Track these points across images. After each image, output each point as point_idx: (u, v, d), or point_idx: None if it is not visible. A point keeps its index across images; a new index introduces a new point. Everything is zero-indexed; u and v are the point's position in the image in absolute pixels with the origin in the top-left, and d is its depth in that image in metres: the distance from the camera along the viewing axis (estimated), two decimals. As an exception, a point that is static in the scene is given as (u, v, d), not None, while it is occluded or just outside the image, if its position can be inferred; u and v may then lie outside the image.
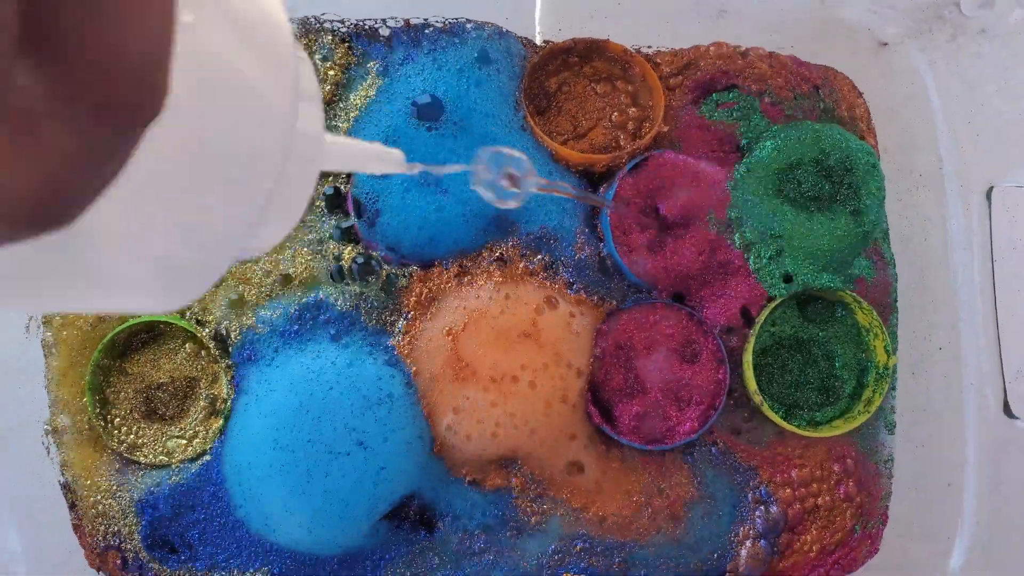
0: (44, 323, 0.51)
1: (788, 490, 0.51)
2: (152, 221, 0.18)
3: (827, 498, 0.51)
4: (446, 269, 0.51)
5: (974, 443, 0.49)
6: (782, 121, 0.53)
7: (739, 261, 0.51)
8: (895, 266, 0.53)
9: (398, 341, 0.50)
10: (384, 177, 0.50)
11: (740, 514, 0.51)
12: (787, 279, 0.51)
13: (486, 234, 0.51)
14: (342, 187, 0.51)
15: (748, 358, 0.50)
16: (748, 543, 0.51)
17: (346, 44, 0.53)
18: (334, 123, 0.51)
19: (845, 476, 0.52)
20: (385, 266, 0.51)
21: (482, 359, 0.49)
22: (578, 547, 0.50)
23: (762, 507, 0.51)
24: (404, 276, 0.51)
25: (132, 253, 0.18)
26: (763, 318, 0.51)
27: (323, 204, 0.51)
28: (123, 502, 0.50)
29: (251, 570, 0.50)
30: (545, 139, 0.51)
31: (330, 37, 0.53)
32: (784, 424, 0.50)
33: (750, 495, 0.51)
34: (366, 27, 0.52)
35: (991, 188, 0.50)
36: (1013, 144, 0.50)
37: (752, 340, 0.50)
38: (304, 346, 0.50)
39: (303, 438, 0.48)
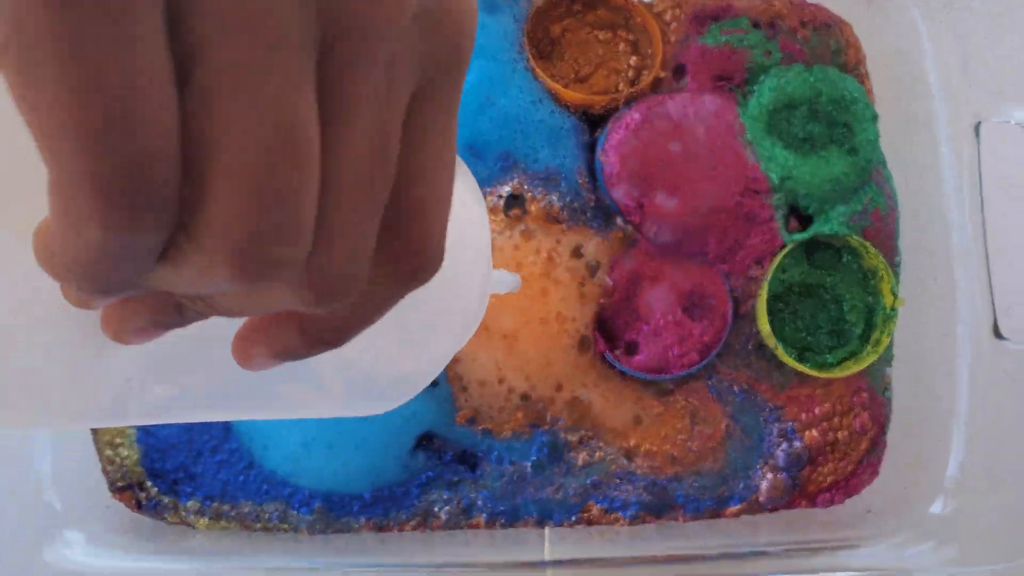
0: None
1: (811, 428, 0.53)
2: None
3: (845, 432, 0.54)
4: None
5: (966, 365, 0.52)
6: (796, 55, 0.55)
7: (765, 209, 0.53)
8: (897, 195, 0.55)
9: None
10: None
11: (766, 448, 0.53)
12: (803, 219, 0.54)
13: (491, 173, 0.53)
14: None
15: (762, 304, 0.53)
16: (770, 475, 0.53)
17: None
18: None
19: (861, 409, 0.54)
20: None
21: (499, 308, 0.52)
22: (614, 479, 0.52)
23: (786, 442, 0.53)
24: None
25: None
26: (774, 266, 0.53)
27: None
28: (131, 436, 0.53)
29: (266, 502, 0.53)
30: (546, 79, 0.54)
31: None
32: (797, 365, 0.53)
33: (775, 429, 0.53)
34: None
35: (979, 124, 0.52)
36: (999, 84, 0.53)
37: (764, 287, 0.53)
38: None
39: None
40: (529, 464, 0.52)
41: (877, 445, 0.55)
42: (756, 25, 0.56)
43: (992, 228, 0.52)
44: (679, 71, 0.56)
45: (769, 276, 0.53)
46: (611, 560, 0.50)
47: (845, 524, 0.53)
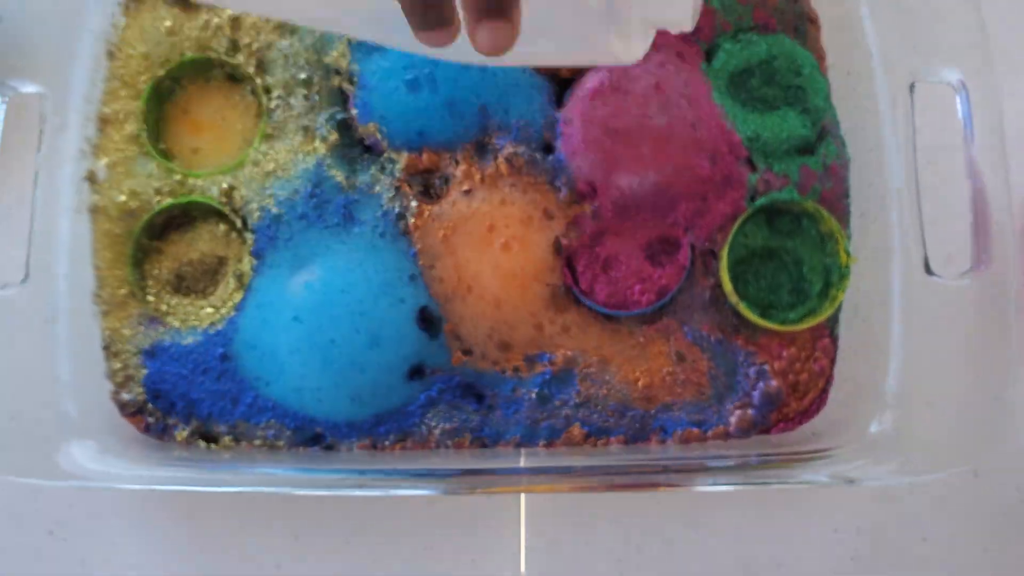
0: (92, 205, 0.59)
1: (779, 371, 0.59)
2: None
3: (806, 375, 0.59)
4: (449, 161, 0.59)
5: (899, 297, 0.57)
6: (767, 25, 0.61)
7: (740, 171, 0.59)
8: (847, 147, 0.60)
9: (405, 223, 0.58)
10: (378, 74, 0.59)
11: (740, 388, 0.58)
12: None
13: (469, 129, 0.59)
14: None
15: (724, 264, 0.58)
16: (739, 411, 0.58)
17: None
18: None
19: (821, 353, 0.59)
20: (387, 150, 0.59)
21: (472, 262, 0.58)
22: (598, 410, 0.58)
23: (761, 382, 0.58)
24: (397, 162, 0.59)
25: None
26: (734, 230, 0.58)
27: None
28: (137, 356, 0.58)
29: (263, 422, 0.57)
30: None
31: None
32: (760, 321, 0.58)
33: (752, 371, 0.59)
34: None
35: (913, 84, 0.58)
36: (931, 47, 0.58)
37: (726, 248, 0.58)
38: (318, 227, 0.58)
39: (321, 317, 0.56)
40: (527, 396, 0.58)
41: (828, 380, 0.59)
42: None
43: (924, 178, 0.57)
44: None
45: (730, 239, 0.58)
46: (579, 468, 0.54)
47: (792, 444, 0.57)
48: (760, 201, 0.59)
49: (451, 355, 0.58)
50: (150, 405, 0.58)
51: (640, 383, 0.58)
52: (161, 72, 0.60)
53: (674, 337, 0.58)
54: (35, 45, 0.59)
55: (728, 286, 0.58)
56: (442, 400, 0.58)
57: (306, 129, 0.60)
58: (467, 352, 0.57)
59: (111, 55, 0.61)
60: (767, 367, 0.58)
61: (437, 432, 0.58)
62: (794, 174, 0.59)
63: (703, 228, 0.58)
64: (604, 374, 0.58)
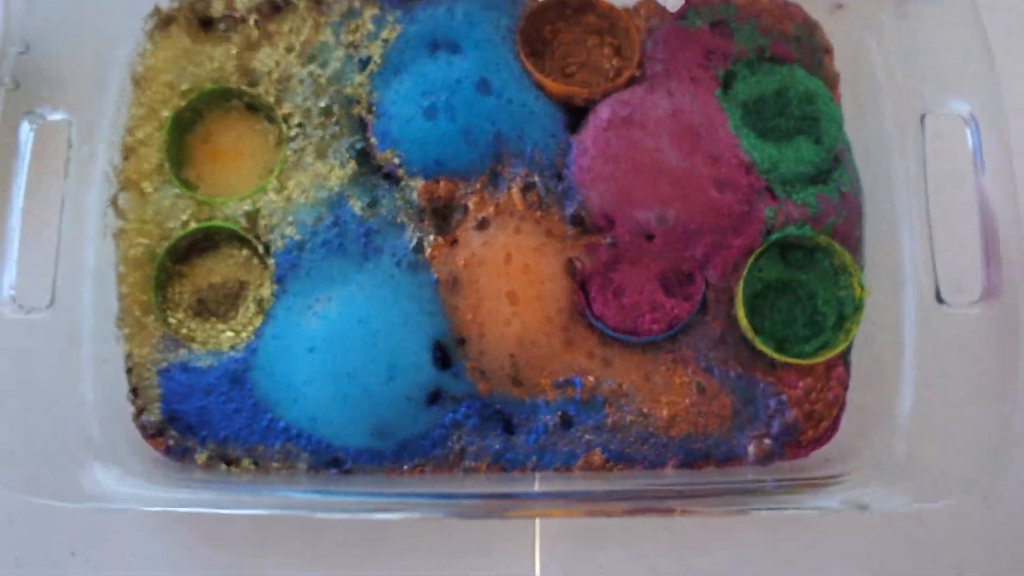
0: (117, 230, 0.60)
1: (796, 401, 0.59)
2: None
3: (821, 404, 0.59)
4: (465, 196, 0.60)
5: (912, 326, 0.58)
6: (784, 56, 0.62)
7: (758, 204, 0.59)
8: (860, 178, 0.61)
9: (425, 253, 0.59)
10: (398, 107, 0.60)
11: (759, 418, 0.59)
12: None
13: (484, 158, 0.60)
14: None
15: (739, 300, 0.59)
16: (756, 441, 0.59)
17: (374, 2, 0.63)
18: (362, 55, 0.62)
19: (836, 383, 0.60)
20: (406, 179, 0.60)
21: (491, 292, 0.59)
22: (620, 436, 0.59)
23: (779, 414, 0.59)
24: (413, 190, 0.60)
25: None
26: (749, 265, 0.59)
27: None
28: (157, 378, 0.59)
29: (279, 445, 0.58)
30: (531, 68, 0.61)
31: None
32: (776, 356, 0.58)
33: (772, 402, 0.59)
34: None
35: (924, 116, 0.59)
36: (942, 81, 0.59)
37: (741, 284, 0.59)
38: (338, 256, 0.59)
39: (338, 348, 0.57)
40: (553, 421, 0.59)
41: (841, 407, 0.60)
42: (743, 18, 0.63)
43: (935, 209, 0.58)
44: (654, 58, 0.62)
45: (744, 275, 0.59)
46: (595, 493, 0.55)
47: (804, 470, 0.58)
48: (774, 236, 0.59)
49: (475, 383, 0.58)
50: (169, 427, 0.59)
51: (664, 412, 0.58)
52: (182, 102, 0.62)
53: (692, 369, 0.59)
54: (62, 73, 0.61)
55: (744, 321, 0.58)
56: (467, 424, 0.58)
57: (326, 157, 0.61)
58: (490, 378, 0.58)
59: (137, 82, 0.62)
60: (785, 398, 0.59)
61: (458, 454, 0.58)
62: (812, 204, 0.59)
63: (719, 263, 0.59)
64: (631, 402, 0.59)
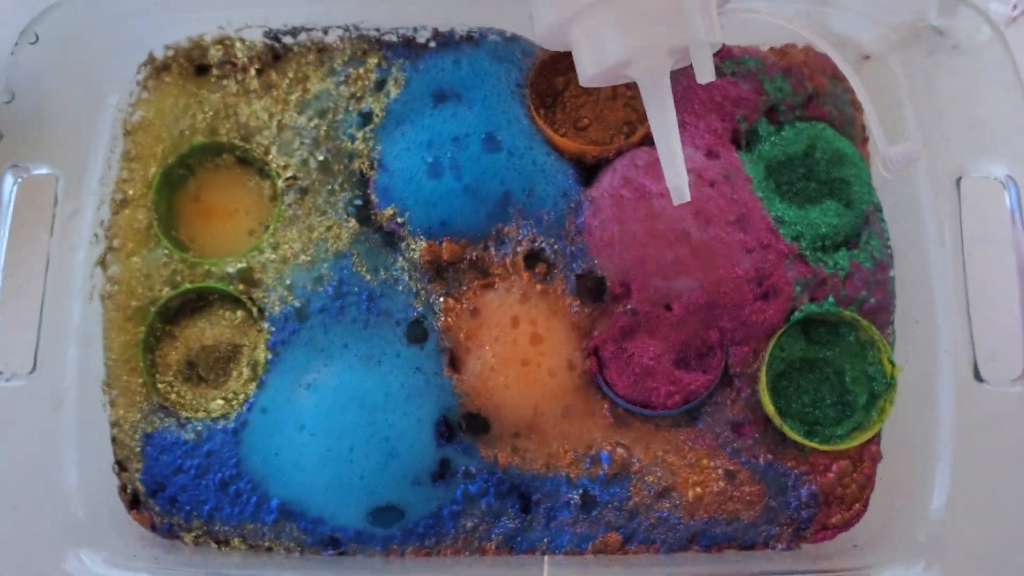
0: (104, 291, 0.57)
1: (829, 486, 0.55)
2: None
3: (854, 486, 0.56)
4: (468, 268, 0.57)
5: (948, 405, 0.54)
6: (818, 113, 0.59)
7: (786, 277, 0.55)
8: (890, 242, 0.58)
9: (430, 320, 0.56)
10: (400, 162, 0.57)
11: (790, 506, 0.55)
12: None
13: (491, 218, 0.57)
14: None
15: (763, 386, 0.55)
16: (786, 529, 0.55)
17: (378, 49, 0.59)
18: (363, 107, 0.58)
19: (870, 461, 0.56)
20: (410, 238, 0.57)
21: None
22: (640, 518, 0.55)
23: (810, 506, 0.55)
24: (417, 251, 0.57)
25: None
26: (771, 346, 0.55)
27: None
28: (143, 448, 0.56)
29: (270, 523, 0.55)
30: (543, 126, 0.58)
31: (366, 44, 0.60)
32: (807, 442, 0.54)
33: (803, 492, 0.55)
34: (399, 34, 0.59)
35: (960, 178, 0.56)
36: (977, 141, 0.56)
37: (764, 367, 0.55)
38: (338, 324, 0.56)
39: (335, 426, 0.54)
40: (573, 499, 0.55)
41: (871, 487, 0.56)
42: (774, 69, 0.60)
43: (972, 276, 0.55)
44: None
45: (767, 357, 0.55)
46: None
47: (831, 556, 0.54)
48: (796, 316, 0.55)
49: (489, 457, 0.55)
50: (153, 501, 0.55)
51: (690, 495, 0.55)
52: (171, 159, 0.58)
53: (718, 451, 0.55)
54: (49, 124, 0.58)
55: (770, 408, 0.55)
56: (480, 501, 0.55)
57: (324, 214, 0.58)
58: (504, 451, 0.55)
59: (128, 133, 0.59)
60: (816, 487, 0.55)
61: (468, 535, 0.55)
62: (845, 267, 0.56)
63: (742, 340, 0.56)
64: (657, 483, 0.55)
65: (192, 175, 0.60)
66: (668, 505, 0.55)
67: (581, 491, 0.55)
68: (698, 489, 0.55)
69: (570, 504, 0.55)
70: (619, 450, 0.55)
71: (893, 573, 0.52)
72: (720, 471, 0.55)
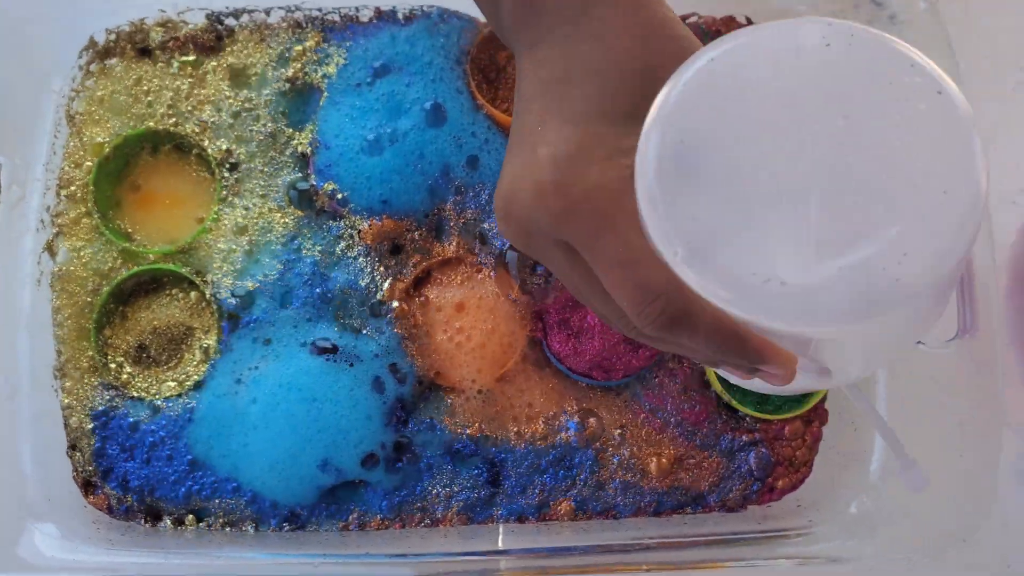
0: (53, 276, 0.57)
1: (780, 447, 0.57)
2: None
3: (801, 450, 0.57)
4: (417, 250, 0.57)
5: (884, 370, 0.56)
6: None
7: None
8: None
9: (379, 297, 0.56)
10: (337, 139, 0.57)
11: (742, 462, 0.56)
12: None
13: (432, 195, 0.57)
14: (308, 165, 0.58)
15: (711, 373, 0.56)
16: (742, 481, 0.57)
17: (320, 29, 0.60)
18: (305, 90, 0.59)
19: (819, 424, 0.57)
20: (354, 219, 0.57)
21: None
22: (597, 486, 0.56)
23: (760, 458, 0.56)
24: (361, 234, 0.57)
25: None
26: None
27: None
28: (94, 431, 0.56)
29: (222, 501, 0.55)
30: (481, 99, 0.58)
31: (307, 24, 0.60)
32: (756, 414, 0.56)
33: (752, 456, 0.56)
34: (341, 14, 0.60)
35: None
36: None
37: None
38: (287, 307, 0.57)
39: (284, 408, 0.55)
40: (537, 469, 0.56)
41: (816, 449, 0.58)
42: None
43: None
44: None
45: None
46: (561, 549, 0.53)
47: (777, 516, 0.56)
48: None
49: (447, 428, 0.56)
50: (106, 483, 0.56)
51: (652, 467, 0.56)
52: (107, 149, 0.58)
53: (671, 425, 0.57)
54: (-8, 110, 0.58)
55: (718, 386, 0.56)
56: (442, 470, 0.56)
57: (265, 197, 0.58)
58: (462, 421, 0.56)
59: (71, 120, 0.59)
60: (767, 451, 0.57)
61: (428, 505, 0.56)
62: None
63: None
64: (619, 452, 0.56)
65: (129, 165, 0.59)
66: (625, 475, 0.56)
67: (538, 459, 0.56)
68: (654, 460, 0.56)
69: (528, 472, 0.56)
70: (575, 420, 0.56)
71: (834, 529, 0.53)
72: (672, 441, 0.56)
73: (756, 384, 0.43)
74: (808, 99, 0.26)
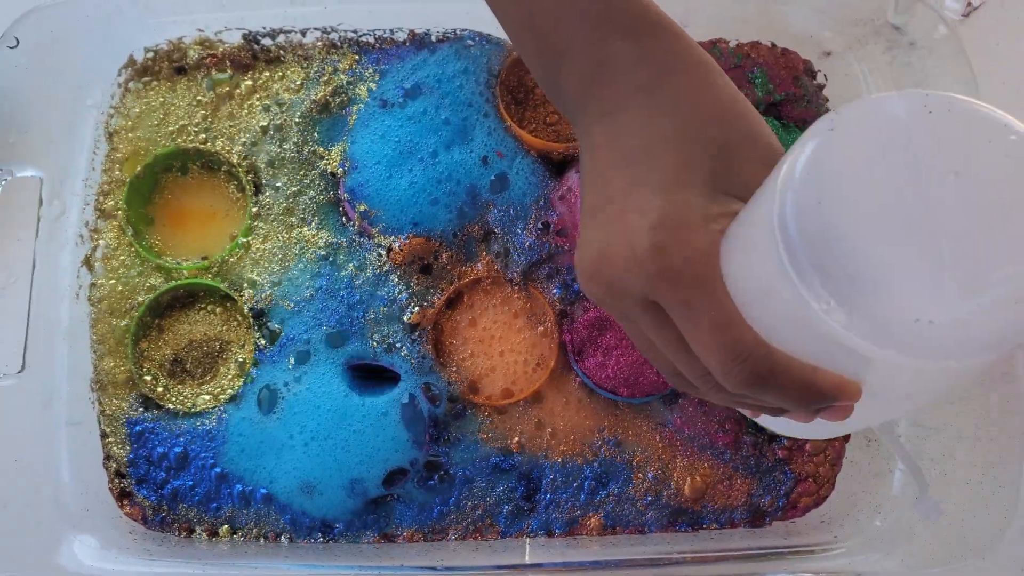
0: (91, 287, 0.58)
1: (803, 462, 0.58)
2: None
3: (827, 466, 0.58)
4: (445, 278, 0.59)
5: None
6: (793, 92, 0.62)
7: None
8: None
9: (409, 317, 0.58)
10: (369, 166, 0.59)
11: (770, 484, 0.58)
12: None
13: (461, 216, 0.58)
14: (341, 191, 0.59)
15: None
16: (768, 497, 0.58)
17: (354, 52, 0.61)
18: (338, 110, 0.60)
19: (841, 443, 0.59)
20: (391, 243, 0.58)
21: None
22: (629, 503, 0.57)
23: (786, 479, 0.58)
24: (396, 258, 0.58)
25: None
26: None
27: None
28: (130, 443, 0.57)
29: (254, 512, 0.56)
30: (510, 121, 0.59)
31: (344, 45, 0.61)
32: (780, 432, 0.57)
33: (777, 471, 0.58)
34: (376, 36, 0.61)
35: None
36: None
37: None
38: (320, 325, 0.58)
39: (321, 428, 0.56)
40: (572, 486, 0.57)
41: (840, 465, 0.59)
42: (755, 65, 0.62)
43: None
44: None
45: None
46: (586, 564, 0.54)
47: (802, 532, 0.57)
48: None
49: (482, 441, 0.57)
50: (142, 493, 0.57)
51: (686, 487, 0.57)
52: (139, 168, 0.59)
53: (698, 443, 0.58)
54: (32, 126, 0.59)
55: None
56: (473, 486, 0.57)
57: (294, 214, 0.59)
58: (501, 436, 0.57)
59: (110, 137, 0.60)
60: (790, 468, 0.58)
61: (462, 519, 0.57)
62: None
63: None
64: (652, 469, 0.57)
65: (159, 183, 0.61)
66: (648, 492, 0.57)
67: (569, 475, 0.57)
68: (684, 478, 0.57)
69: (561, 488, 0.57)
70: (608, 437, 0.57)
71: (859, 544, 0.54)
72: (699, 459, 0.57)
73: (813, 432, 0.45)
74: (919, 159, 0.29)
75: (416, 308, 0.57)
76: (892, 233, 0.29)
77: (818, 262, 0.29)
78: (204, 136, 0.60)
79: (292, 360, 0.57)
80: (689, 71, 0.38)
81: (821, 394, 0.33)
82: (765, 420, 0.45)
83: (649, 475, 0.57)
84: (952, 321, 0.28)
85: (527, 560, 0.54)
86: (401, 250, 0.57)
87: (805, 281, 0.29)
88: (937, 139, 0.29)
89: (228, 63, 0.61)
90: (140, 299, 0.58)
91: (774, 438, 0.58)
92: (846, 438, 0.58)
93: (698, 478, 0.57)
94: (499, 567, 0.53)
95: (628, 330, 0.41)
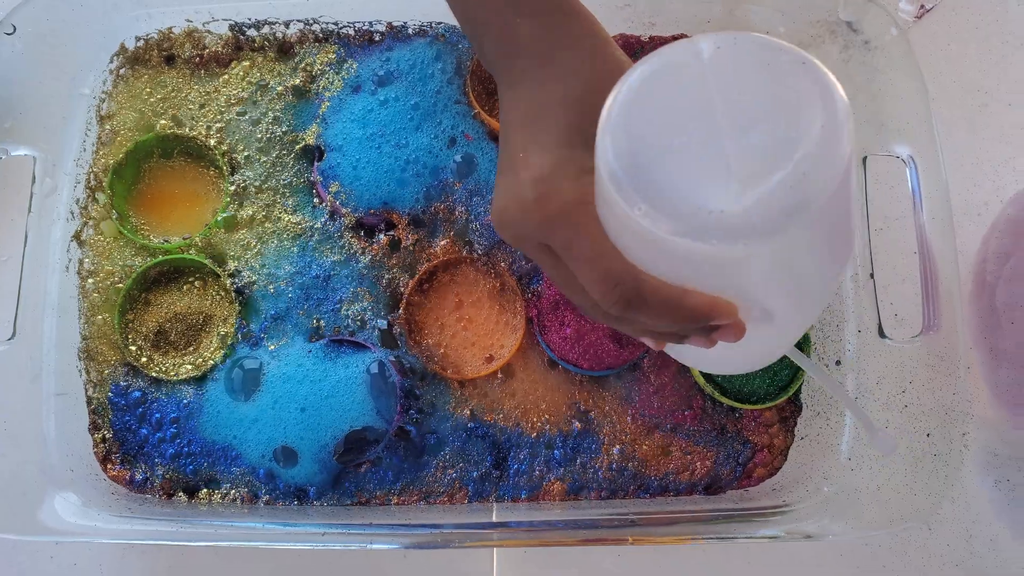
0: (80, 261, 0.61)
1: (759, 433, 0.61)
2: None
3: (780, 438, 0.61)
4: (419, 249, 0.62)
5: (855, 360, 0.60)
6: None
7: None
8: None
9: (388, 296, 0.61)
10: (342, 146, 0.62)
11: (720, 450, 0.61)
12: None
13: (429, 198, 0.61)
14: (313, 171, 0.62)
15: (695, 372, 0.61)
16: (726, 467, 0.61)
17: (334, 43, 0.64)
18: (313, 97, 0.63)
19: (791, 416, 0.62)
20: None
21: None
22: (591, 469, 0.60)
23: (743, 446, 0.61)
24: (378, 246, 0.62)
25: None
26: None
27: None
28: (114, 408, 0.60)
29: (234, 475, 0.59)
30: (478, 108, 0.62)
31: (324, 37, 0.64)
32: (734, 403, 0.60)
33: (733, 442, 0.61)
34: (356, 28, 0.64)
35: (865, 157, 0.61)
36: (884, 127, 0.62)
37: None
38: (299, 303, 0.61)
39: (296, 400, 0.59)
40: (540, 455, 0.60)
41: (792, 437, 0.62)
42: None
43: (876, 246, 0.60)
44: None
45: None
46: (550, 523, 0.56)
47: (755, 498, 0.60)
48: None
49: (447, 410, 0.60)
50: (126, 457, 0.59)
51: (650, 459, 0.60)
52: (120, 155, 0.63)
53: (661, 415, 0.61)
54: (27, 109, 0.62)
55: (700, 380, 0.61)
56: (444, 451, 0.60)
57: (273, 196, 0.62)
58: (468, 406, 0.60)
59: (102, 120, 0.63)
60: (746, 439, 0.61)
61: (431, 486, 0.60)
62: None
63: None
64: (619, 441, 0.60)
65: (142, 168, 0.64)
66: (610, 462, 0.60)
67: (535, 445, 0.60)
68: (642, 448, 0.60)
69: (527, 457, 0.60)
70: (575, 410, 0.60)
71: (808, 509, 0.57)
72: (659, 431, 0.60)
73: (734, 364, 0.49)
74: (711, 84, 0.35)
75: (388, 286, 0.60)
76: (688, 148, 0.35)
77: (633, 179, 0.35)
78: (189, 123, 0.63)
79: (269, 335, 0.60)
80: (579, 44, 0.45)
81: (693, 312, 0.38)
82: (674, 351, 0.49)
83: (615, 449, 0.60)
84: (736, 211, 0.33)
85: (494, 520, 0.57)
86: (373, 227, 0.61)
87: (624, 195, 0.35)
88: (725, 67, 0.35)
89: (212, 53, 0.64)
90: (127, 273, 0.61)
91: (733, 410, 0.61)
92: (797, 411, 0.61)
93: (659, 449, 0.60)
94: (467, 526, 0.56)
95: (543, 270, 0.46)
